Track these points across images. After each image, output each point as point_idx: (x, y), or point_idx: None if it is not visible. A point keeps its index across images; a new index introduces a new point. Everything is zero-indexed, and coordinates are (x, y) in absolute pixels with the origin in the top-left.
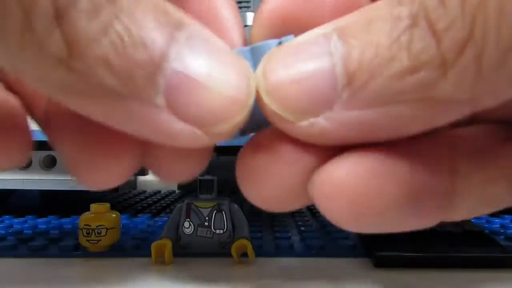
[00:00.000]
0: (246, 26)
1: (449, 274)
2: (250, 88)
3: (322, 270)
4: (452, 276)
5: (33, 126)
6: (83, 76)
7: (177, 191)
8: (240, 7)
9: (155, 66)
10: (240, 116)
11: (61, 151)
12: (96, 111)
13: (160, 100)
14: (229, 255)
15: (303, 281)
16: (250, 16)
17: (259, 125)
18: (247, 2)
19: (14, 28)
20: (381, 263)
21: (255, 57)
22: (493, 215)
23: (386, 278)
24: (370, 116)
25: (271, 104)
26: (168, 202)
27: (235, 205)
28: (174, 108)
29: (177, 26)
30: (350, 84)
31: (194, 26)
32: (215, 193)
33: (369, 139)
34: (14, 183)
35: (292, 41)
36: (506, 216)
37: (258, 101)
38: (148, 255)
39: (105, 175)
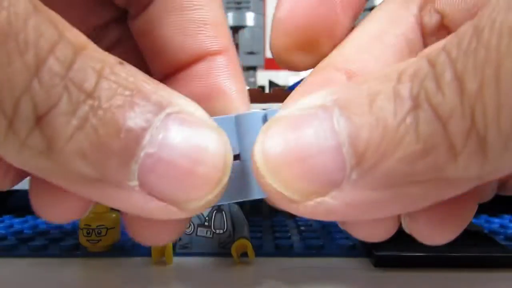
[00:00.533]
0: (246, 26)
1: (449, 274)
2: (226, 165)
3: (322, 270)
4: (452, 276)
5: None
6: (61, 166)
7: None
8: (240, 8)
9: (128, 153)
10: (214, 194)
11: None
12: (77, 191)
13: (134, 183)
14: (229, 255)
15: (303, 281)
16: (250, 16)
17: (237, 197)
18: (247, 2)
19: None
20: (381, 263)
21: (239, 125)
22: (493, 215)
23: (386, 278)
24: (380, 197)
25: (273, 183)
26: None
27: (235, 205)
28: (147, 188)
29: (156, 109)
30: (360, 165)
31: (172, 106)
32: None
33: (375, 216)
34: None
35: (289, 112)
36: (506, 216)
37: (256, 178)
38: (148, 255)
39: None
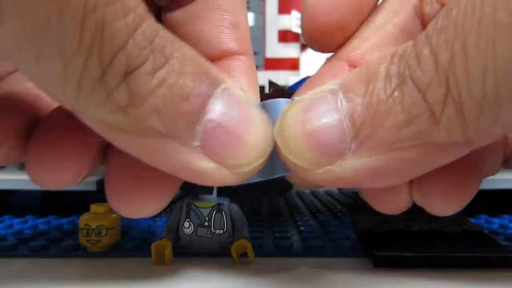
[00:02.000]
0: None
1: (449, 274)
2: (270, 137)
3: (322, 270)
4: (452, 276)
5: None
6: (136, 120)
7: (177, 191)
8: None
9: (195, 116)
10: (260, 160)
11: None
12: (137, 148)
13: (196, 143)
14: (229, 255)
15: (303, 281)
16: (250, 16)
17: (266, 175)
18: (247, 2)
19: (91, 80)
20: (380, 263)
21: (265, 111)
22: (493, 215)
23: (386, 278)
24: (378, 162)
25: (289, 156)
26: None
27: (235, 205)
28: (207, 150)
29: (214, 83)
30: (357, 136)
31: (227, 83)
32: (215, 193)
33: (381, 183)
34: (14, 183)
35: (304, 97)
36: (506, 216)
37: (277, 152)
38: (148, 255)
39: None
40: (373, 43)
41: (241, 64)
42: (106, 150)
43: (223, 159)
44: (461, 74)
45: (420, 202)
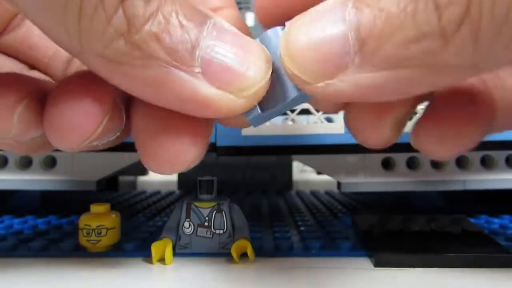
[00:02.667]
0: None
1: (449, 274)
2: (269, 59)
3: (322, 270)
4: (452, 276)
5: None
6: (137, 48)
7: (177, 191)
8: (240, 8)
9: (193, 43)
10: (263, 81)
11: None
12: (141, 83)
13: (197, 69)
14: (229, 255)
15: (303, 281)
16: (250, 16)
17: (278, 102)
18: (247, 2)
19: (90, 6)
20: (381, 263)
21: (264, 43)
22: (493, 215)
23: (386, 278)
24: (379, 79)
25: (292, 68)
26: (168, 202)
27: (235, 205)
28: (209, 76)
29: (206, 16)
30: (362, 49)
31: (216, 17)
32: (215, 193)
33: (378, 99)
34: (14, 183)
35: (311, 9)
36: (506, 216)
37: (283, 68)
38: (148, 255)
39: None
40: None
41: (229, 17)
42: (127, 107)
43: (225, 83)
44: None
45: (416, 145)
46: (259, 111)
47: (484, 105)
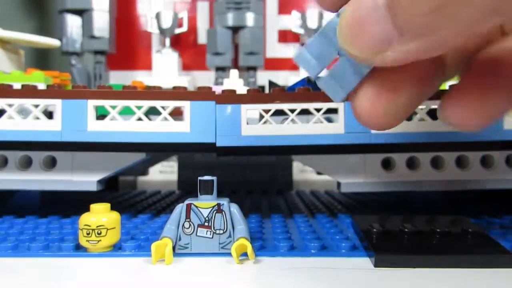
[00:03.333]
0: (246, 26)
1: (449, 274)
2: None
3: (322, 270)
4: (452, 276)
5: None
6: None
7: (177, 191)
8: (240, 8)
9: None
10: None
11: None
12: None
13: None
14: (229, 255)
15: (303, 281)
16: (250, 16)
17: (349, 85)
18: (247, 2)
19: None
20: (381, 263)
21: (324, 36)
22: (493, 215)
23: (386, 278)
24: (421, 45)
25: (350, 50)
26: (168, 202)
27: (235, 205)
28: None
29: None
30: (399, 27)
31: None
32: (215, 193)
33: (427, 56)
34: (14, 183)
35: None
36: (506, 216)
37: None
38: (148, 255)
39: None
40: None
41: None
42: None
43: None
44: None
45: (444, 117)
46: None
47: (508, 75)
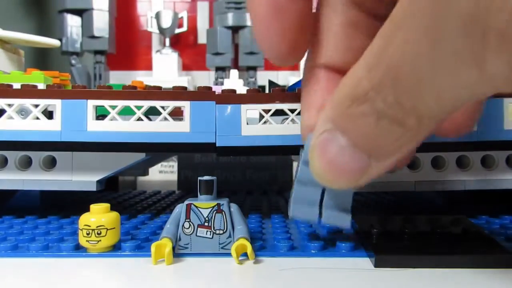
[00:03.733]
0: (246, 26)
1: (449, 274)
2: None
3: (322, 270)
4: (452, 276)
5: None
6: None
7: (177, 191)
8: (240, 8)
9: None
10: None
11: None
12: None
13: None
14: (229, 255)
15: (303, 281)
16: (250, 16)
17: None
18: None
19: None
20: (381, 263)
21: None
22: (494, 216)
23: (386, 278)
24: (392, 162)
25: (328, 183)
26: (168, 202)
27: (235, 205)
28: None
29: None
30: (371, 155)
31: None
32: (215, 193)
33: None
34: (14, 183)
35: (312, 144)
36: (506, 216)
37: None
38: (148, 255)
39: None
40: (330, 43)
41: None
42: None
43: None
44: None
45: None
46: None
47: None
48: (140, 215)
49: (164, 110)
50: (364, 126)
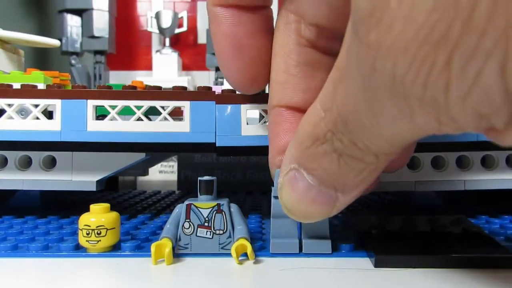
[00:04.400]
0: None
1: (449, 274)
2: None
3: (322, 270)
4: (452, 276)
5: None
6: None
7: (177, 191)
8: None
9: None
10: None
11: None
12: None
13: None
14: (229, 255)
15: (303, 281)
16: None
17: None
18: None
19: None
20: (381, 263)
21: (276, 217)
22: (493, 216)
23: (386, 278)
24: (359, 192)
25: (296, 218)
26: (168, 202)
27: (235, 205)
28: None
29: None
30: (337, 189)
31: None
32: (215, 194)
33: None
34: (14, 183)
35: (281, 181)
36: (506, 216)
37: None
38: (148, 255)
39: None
40: (289, 84)
41: None
42: None
43: None
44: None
45: None
46: None
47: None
48: (140, 215)
49: (164, 110)
50: (326, 164)
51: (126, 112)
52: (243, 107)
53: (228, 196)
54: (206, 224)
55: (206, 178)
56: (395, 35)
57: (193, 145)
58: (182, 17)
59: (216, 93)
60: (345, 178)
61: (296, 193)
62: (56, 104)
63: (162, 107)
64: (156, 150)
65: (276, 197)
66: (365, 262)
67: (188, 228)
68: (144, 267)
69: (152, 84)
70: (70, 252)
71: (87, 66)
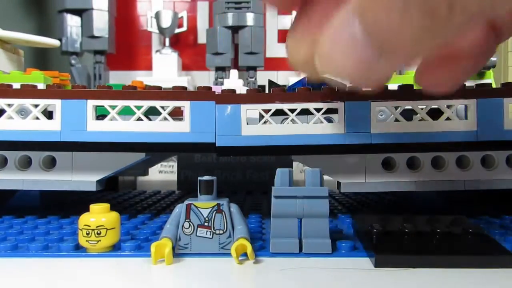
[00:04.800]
0: (246, 26)
1: (449, 274)
2: None
3: (322, 270)
4: (452, 276)
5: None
6: None
7: (177, 191)
8: (240, 7)
9: None
10: None
11: None
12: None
13: None
14: (229, 255)
15: (303, 281)
16: (250, 16)
17: None
18: (247, 2)
19: None
20: (381, 263)
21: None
22: (494, 216)
23: (386, 278)
24: (400, 62)
25: (338, 75)
26: (168, 202)
27: (235, 205)
28: None
29: None
30: (381, 50)
31: None
32: (215, 194)
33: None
34: (14, 183)
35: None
36: (506, 216)
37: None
38: (148, 255)
39: None
40: None
41: None
42: None
43: None
44: None
45: (417, 80)
46: None
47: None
48: (140, 215)
49: (164, 110)
50: (387, 11)
51: (126, 112)
52: (243, 107)
53: (228, 196)
54: (206, 224)
55: (206, 178)
56: None
57: (193, 145)
58: (182, 17)
59: (216, 93)
60: (400, 33)
61: (339, 39)
62: (56, 104)
63: (162, 107)
64: (156, 150)
65: (276, 197)
66: (365, 262)
67: (188, 228)
68: (144, 267)
69: (152, 84)
70: (70, 252)
71: (87, 66)
